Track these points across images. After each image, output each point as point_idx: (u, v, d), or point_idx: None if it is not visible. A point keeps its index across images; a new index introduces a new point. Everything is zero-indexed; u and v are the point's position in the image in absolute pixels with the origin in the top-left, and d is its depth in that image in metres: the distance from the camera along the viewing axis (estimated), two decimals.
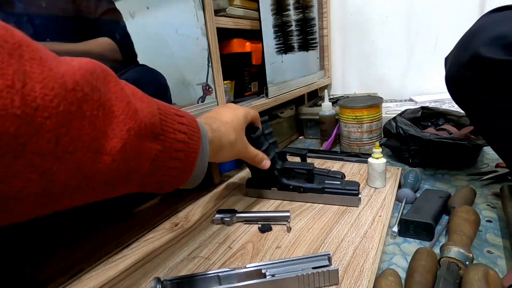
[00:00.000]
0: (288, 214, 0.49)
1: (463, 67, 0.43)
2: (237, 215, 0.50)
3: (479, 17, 0.46)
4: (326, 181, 0.54)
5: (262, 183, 0.58)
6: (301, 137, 1.08)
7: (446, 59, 0.51)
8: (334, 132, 0.90)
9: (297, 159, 0.62)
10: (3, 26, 0.15)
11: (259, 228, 0.48)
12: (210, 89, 0.61)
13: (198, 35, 0.55)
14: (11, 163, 0.15)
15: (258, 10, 0.75)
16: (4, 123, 0.14)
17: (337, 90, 1.28)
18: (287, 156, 0.60)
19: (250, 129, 0.50)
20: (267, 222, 0.49)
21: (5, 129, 0.14)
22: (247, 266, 0.37)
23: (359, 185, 0.52)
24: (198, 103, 0.58)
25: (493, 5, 0.97)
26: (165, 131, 0.25)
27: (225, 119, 0.39)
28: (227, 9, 0.71)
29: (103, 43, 0.46)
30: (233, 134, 0.39)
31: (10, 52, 0.15)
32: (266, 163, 0.49)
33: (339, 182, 0.53)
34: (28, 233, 0.49)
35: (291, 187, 0.56)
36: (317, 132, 1.01)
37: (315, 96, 1.22)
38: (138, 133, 0.22)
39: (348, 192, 0.52)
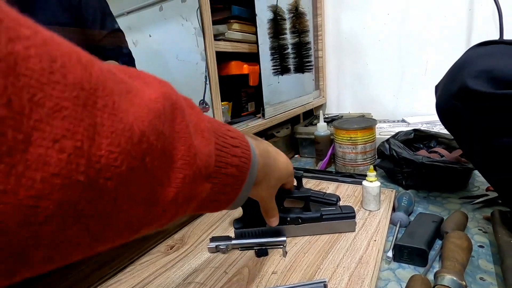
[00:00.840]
0: (284, 238, 0.49)
1: (452, 97, 0.46)
2: (233, 242, 0.50)
3: (466, 44, 0.49)
4: (322, 208, 0.53)
5: (254, 222, 0.50)
6: (296, 156, 1.10)
7: (436, 87, 0.54)
8: (329, 152, 0.92)
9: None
10: (83, 64, 0.14)
11: (255, 252, 0.48)
12: (207, 107, 0.62)
13: (197, 60, 0.57)
14: (65, 229, 0.13)
15: (255, 34, 0.77)
16: (67, 191, 0.13)
17: (332, 109, 1.31)
18: None
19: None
20: (263, 247, 0.48)
21: (67, 198, 0.13)
22: None
23: (353, 209, 0.52)
24: None
25: (478, 35, 1.02)
26: (218, 169, 0.24)
27: (279, 163, 0.38)
28: (226, 34, 0.74)
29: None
30: (274, 182, 0.38)
31: (85, 101, 0.13)
32: (275, 221, 0.45)
33: (334, 208, 0.53)
34: None
35: (288, 219, 0.51)
36: (312, 151, 1.02)
37: (310, 115, 1.24)
38: (193, 179, 0.21)
39: (346, 217, 0.51)
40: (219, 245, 0.49)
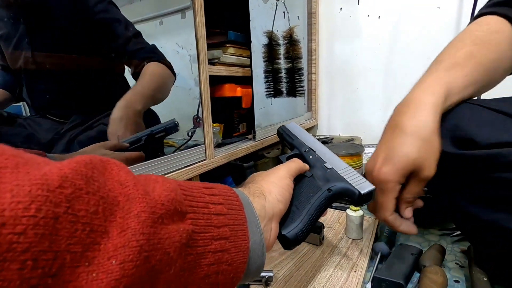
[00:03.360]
0: (271, 274, 0.48)
1: None
2: None
3: None
4: None
5: None
6: None
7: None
8: None
9: None
10: None
11: None
12: (200, 121, 0.63)
13: (191, 86, 0.59)
14: None
15: (250, 58, 0.80)
16: None
17: (323, 131, 1.34)
18: None
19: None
20: (247, 282, 0.48)
21: None
22: None
23: (322, 225, 0.55)
24: (188, 135, 0.61)
25: None
26: (195, 207, 0.21)
27: (276, 183, 0.33)
28: (220, 58, 0.76)
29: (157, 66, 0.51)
30: (282, 201, 0.32)
31: None
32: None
33: None
34: None
35: None
36: None
37: None
38: (153, 216, 0.17)
39: None
40: None
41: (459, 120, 0.41)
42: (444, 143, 0.41)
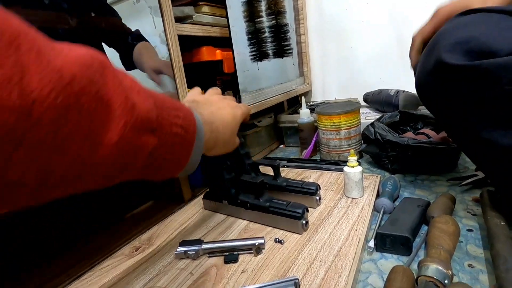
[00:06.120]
0: (262, 241, 0.43)
1: (429, 74, 0.41)
2: (204, 246, 0.44)
3: None
4: (273, 200, 0.49)
5: (217, 195, 0.56)
6: (281, 146, 1.05)
7: (415, 67, 0.50)
8: (313, 140, 0.87)
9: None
10: (1, 15, 0.15)
11: (224, 258, 0.42)
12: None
13: (156, 43, 0.52)
14: (9, 154, 0.15)
15: (226, 17, 0.72)
16: (2, 114, 0.14)
17: (318, 96, 1.27)
18: (260, 168, 0.57)
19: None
20: (234, 252, 0.43)
21: (3, 121, 0.14)
22: None
23: (304, 208, 0.47)
24: None
25: None
26: (162, 125, 0.26)
27: (225, 118, 0.39)
28: (193, 16, 0.69)
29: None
30: (229, 135, 0.40)
31: (8, 43, 0.15)
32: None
33: (285, 202, 0.48)
34: None
35: (239, 201, 0.52)
36: (297, 140, 0.98)
37: (296, 103, 1.20)
38: (134, 127, 0.22)
39: (291, 215, 0.46)
40: (188, 250, 0.44)
41: (472, 31, 0.36)
42: (454, 57, 0.36)
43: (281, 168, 0.62)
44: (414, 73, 0.50)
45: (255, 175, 0.55)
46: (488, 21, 0.37)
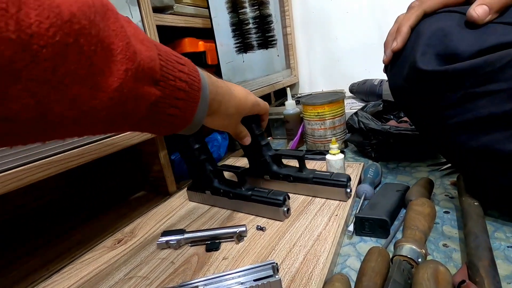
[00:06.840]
0: (244, 229, 0.44)
1: (404, 80, 0.41)
2: (185, 236, 0.44)
3: None
4: (255, 188, 0.49)
5: (200, 186, 0.55)
6: (269, 138, 1.05)
7: (386, 67, 0.50)
8: (299, 130, 0.88)
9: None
10: None
11: (205, 247, 0.43)
12: None
13: None
14: (7, 86, 0.15)
15: (208, 7, 0.71)
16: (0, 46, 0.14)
17: (305, 88, 1.27)
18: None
19: (254, 120, 0.49)
20: (216, 240, 0.43)
21: (0, 52, 0.14)
22: (181, 284, 0.33)
23: (285, 195, 0.46)
24: None
25: None
26: (166, 78, 0.25)
27: (235, 93, 0.38)
28: (174, 7, 0.68)
29: None
30: (233, 110, 0.39)
31: None
32: (248, 140, 0.49)
33: (266, 190, 0.48)
34: None
35: (221, 191, 0.52)
36: (284, 132, 0.98)
37: (283, 96, 1.20)
38: (136, 75, 0.21)
39: (273, 202, 0.46)
40: (170, 240, 0.44)
41: (442, 32, 0.36)
42: (427, 61, 0.36)
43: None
44: (385, 69, 0.50)
45: (278, 167, 0.55)
46: (452, 21, 0.37)
